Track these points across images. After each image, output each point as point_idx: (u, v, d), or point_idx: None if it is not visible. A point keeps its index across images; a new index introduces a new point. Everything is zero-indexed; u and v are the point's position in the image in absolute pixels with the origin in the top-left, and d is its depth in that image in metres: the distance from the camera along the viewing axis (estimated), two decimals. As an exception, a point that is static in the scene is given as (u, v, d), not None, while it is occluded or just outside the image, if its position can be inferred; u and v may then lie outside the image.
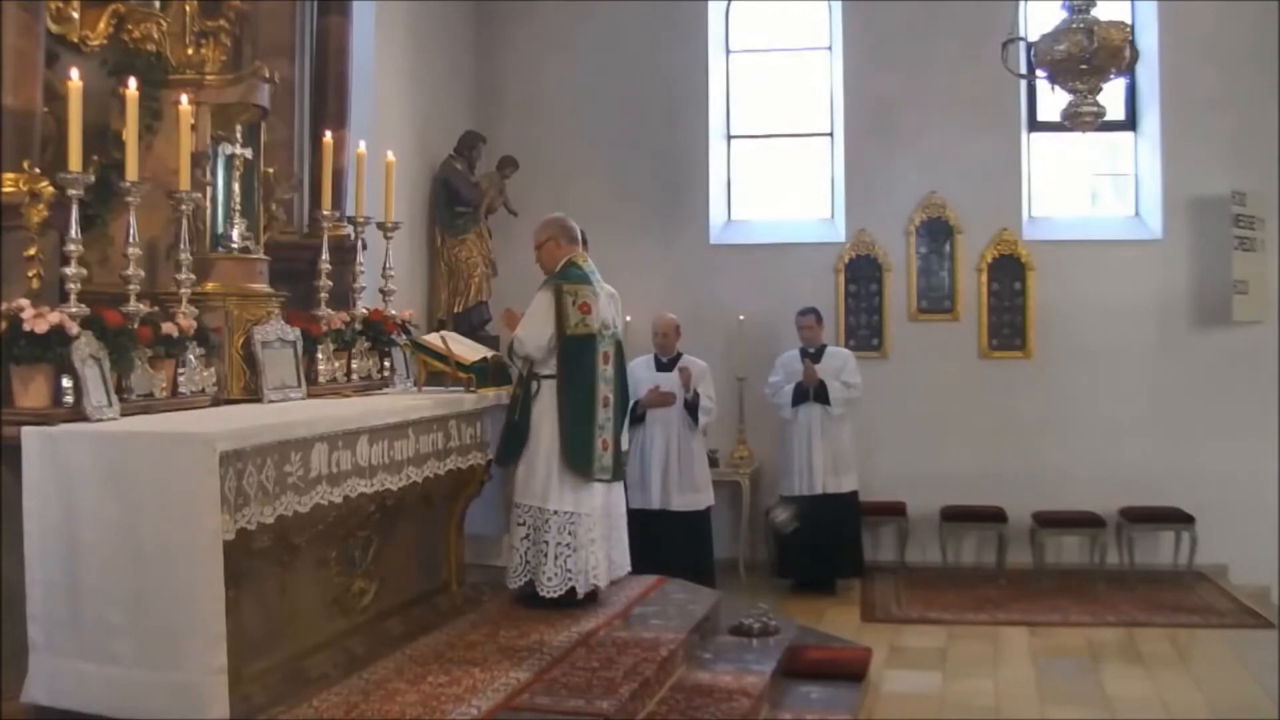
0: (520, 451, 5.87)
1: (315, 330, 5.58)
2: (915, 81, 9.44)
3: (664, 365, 8.32)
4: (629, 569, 6.29)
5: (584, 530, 5.82)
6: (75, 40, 4.82)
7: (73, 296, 4.27)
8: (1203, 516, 8.82)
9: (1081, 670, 6.89)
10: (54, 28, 4.66)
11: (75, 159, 4.31)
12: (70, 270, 4.29)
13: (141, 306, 4.58)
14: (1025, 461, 9.22)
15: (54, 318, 4.11)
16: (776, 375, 8.98)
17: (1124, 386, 9.12)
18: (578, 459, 5.80)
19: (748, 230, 9.99)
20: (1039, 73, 6.77)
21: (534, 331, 5.87)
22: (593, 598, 5.92)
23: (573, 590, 5.80)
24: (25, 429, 4.02)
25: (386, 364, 6.17)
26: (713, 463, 9.19)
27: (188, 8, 5.26)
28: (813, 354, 8.82)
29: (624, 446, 6.20)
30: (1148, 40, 9.22)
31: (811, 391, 8.69)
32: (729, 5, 10.06)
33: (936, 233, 9.60)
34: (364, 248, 6.17)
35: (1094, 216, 9.81)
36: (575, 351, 5.84)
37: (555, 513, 5.78)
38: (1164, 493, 8.99)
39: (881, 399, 9.27)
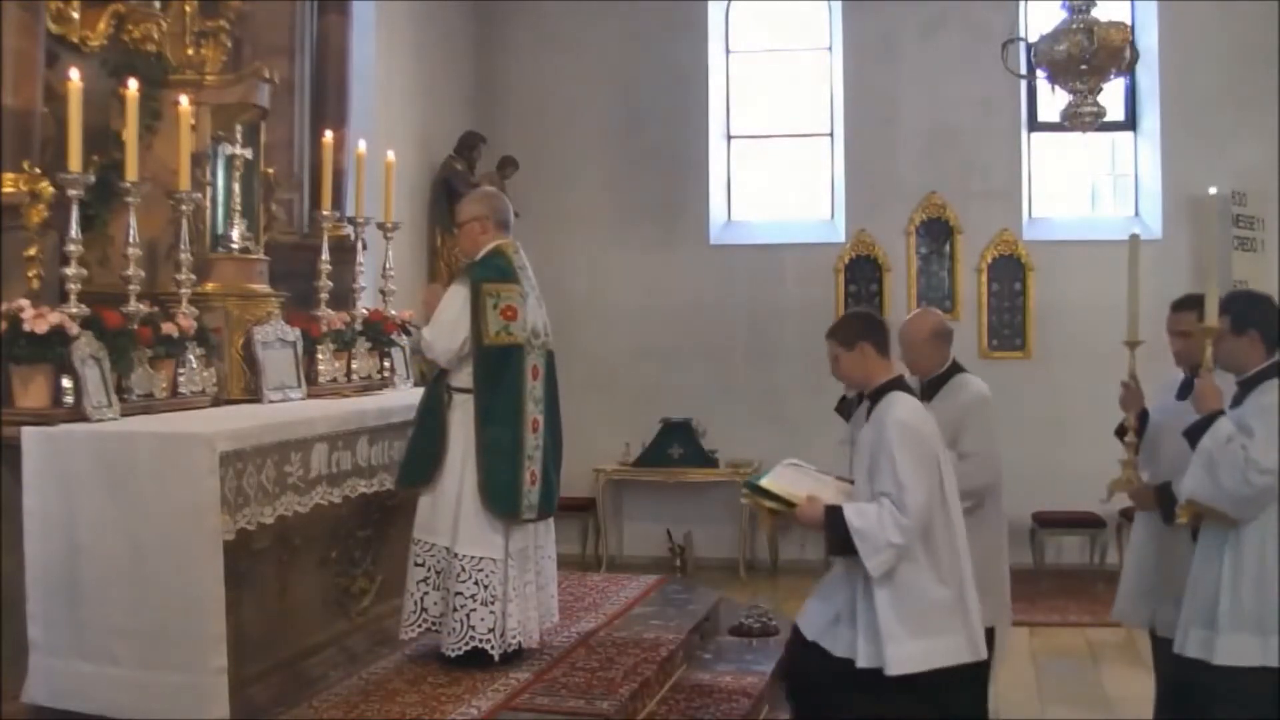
0: (429, 474, 4.89)
1: (315, 330, 5.58)
2: (915, 82, 9.44)
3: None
4: (556, 618, 5.35)
5: (500, 580, 4.84)
6: (75, 40, 4.82)
7: (73, 296, 4.27)
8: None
9: (1081, 670, 6.89)
10: (54, 28, 4.66)
11: (75, 159, 4.31)
12: (70, 270, 4.29)
13: (141, 306, 4.58)
14: (1025, 461, 9.18)
15: (54, 318, 4.11)
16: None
17: (1124, 386, 9.13)
18: (500, 499, 4.83)
19: (748, 230, 9.99)
20: (1039, 73, 6.77)
21: (444, 334, 4.90)
22: (515, 657, 4.94)
23: (479, 651, 4.82)
24: (25, 429, 4.03)
25: (386, 364, 6.17)
26: (713, 463, 9.22)
27: (188, 8, 5.26)
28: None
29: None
30: (1148, 40, 9.22)
31: None
32: (729, 5, 10.06)
33: (936, 233, 9.60)
34: (364, 248, 6.17)
35: (1094, 216, 9.81)
36: (496, 365, 4.86)
37: (464, 558, 4.82)
38: (1164, 493, 8.98)
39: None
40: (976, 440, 4.84)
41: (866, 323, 4.27)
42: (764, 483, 4.19)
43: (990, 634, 4.92)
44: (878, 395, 4.15)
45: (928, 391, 4.94)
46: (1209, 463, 3.94)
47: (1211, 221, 4.25)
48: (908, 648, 3.89)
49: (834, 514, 3.97)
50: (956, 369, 5.02)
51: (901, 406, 4.08)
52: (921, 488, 3.92)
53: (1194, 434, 4.05)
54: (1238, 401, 4.12)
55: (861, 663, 3.93)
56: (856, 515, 3.92)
